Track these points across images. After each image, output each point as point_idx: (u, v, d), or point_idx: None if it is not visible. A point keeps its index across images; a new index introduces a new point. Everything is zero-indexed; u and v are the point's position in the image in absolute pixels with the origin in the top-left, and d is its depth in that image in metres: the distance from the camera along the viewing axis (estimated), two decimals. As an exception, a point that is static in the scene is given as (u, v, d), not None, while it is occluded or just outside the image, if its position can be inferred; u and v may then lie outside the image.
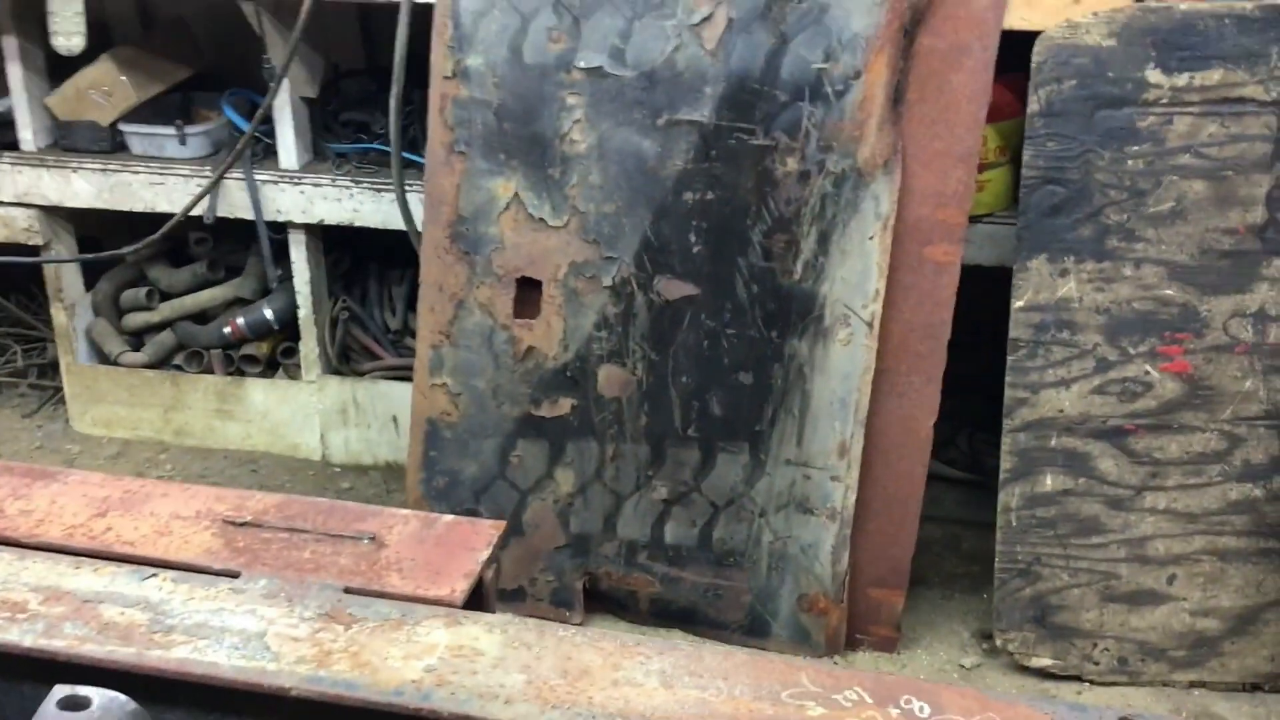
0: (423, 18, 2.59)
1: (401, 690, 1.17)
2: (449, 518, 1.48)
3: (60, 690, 0.83)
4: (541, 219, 2.54)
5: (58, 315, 3.31)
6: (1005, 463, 2.53)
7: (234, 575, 1.34)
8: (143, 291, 3.31)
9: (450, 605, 1.32)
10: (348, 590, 1.33)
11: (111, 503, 1.48)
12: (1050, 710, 1.17)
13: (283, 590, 1.31)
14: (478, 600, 1.40)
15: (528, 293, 2.59)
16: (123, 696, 0.85)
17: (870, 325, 2.47)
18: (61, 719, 0.80)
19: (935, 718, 1.15)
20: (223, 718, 1.24)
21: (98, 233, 3.43)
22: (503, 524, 1.48)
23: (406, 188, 2.83)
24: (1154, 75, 2.34)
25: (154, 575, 1.32)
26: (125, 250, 3.14)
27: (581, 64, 2.47)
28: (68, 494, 1.49)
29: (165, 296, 3.34)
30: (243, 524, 1.42)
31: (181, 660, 1.18)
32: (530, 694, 1.17)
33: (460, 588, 1.35)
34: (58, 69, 3.14)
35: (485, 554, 1.41)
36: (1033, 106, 2.38)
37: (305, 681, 1.17)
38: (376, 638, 1.24)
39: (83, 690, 0.83)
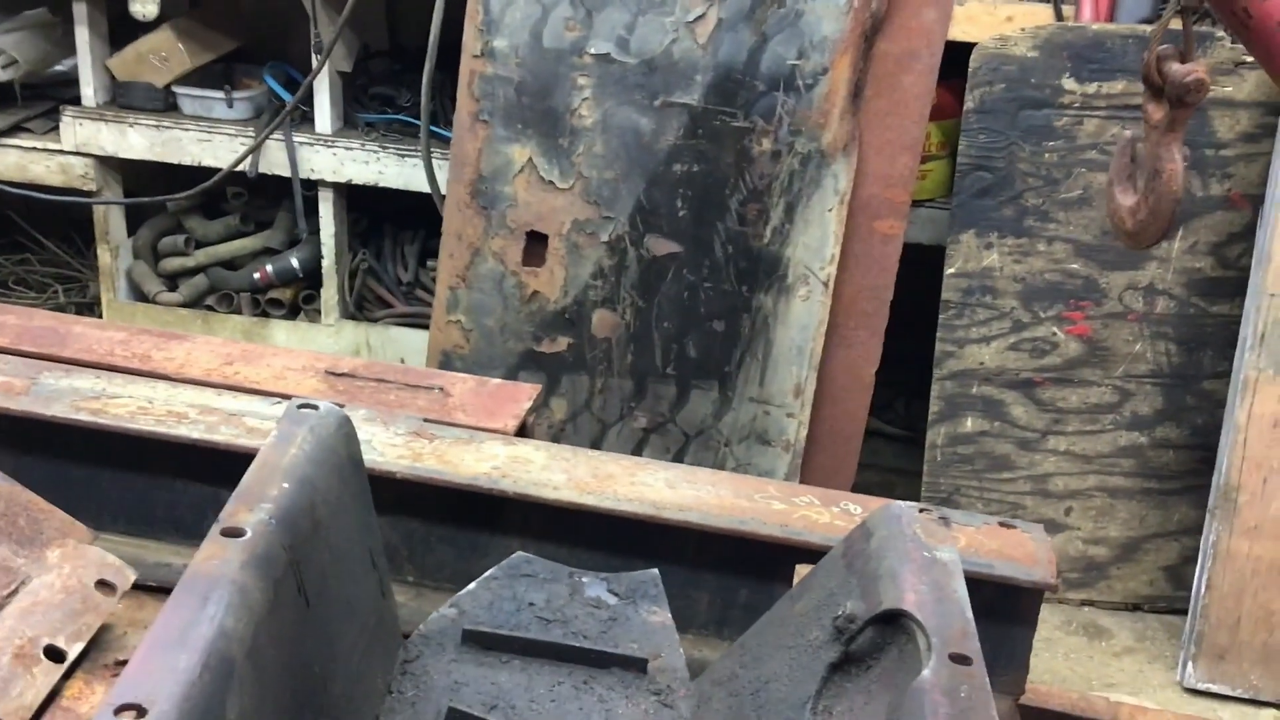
0: (450, 4, 3.02)
1: (477, 478, 1.59)
2: (497, 380, 1.91)
3: (296, 399, 1.24)
4: (551, 181, 2.97)
5: (103, 255, 3.69)
6: (933, 407, 3.00)
7: (340, 406, 1.75)
8: (180, 239, 3.70)
9: (505, 434, 1.75)
10: (426, 420, 1.75)
11: (235, 356, 1.89)
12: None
13: (379, 417, 1.73)
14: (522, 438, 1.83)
15: (535, 244, 3.02)
16: (339, 406, 1.27)
17: (826, 285, 2.92)
18: (302, 414, 1.22)
19: (861, 514, 1.60)
20: (335, 504, 1.66)
21: (141, 186, 3.81)
22: (539, 387, 1.91)
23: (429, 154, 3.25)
24: (1069, 83, 2.81)
25: (280, 402, 1.73)
26: (171, 197, 3.53)
27: (592, 50, 2.91)
28: (199, 349, 1.90)
29: (199, 245, 3.73)
30: (341, 374, 1.84)
31: (314, 451, 1.59)
32: (571, 486, 1.60)
33: (511, 424, 1.78)
34: (116, 35, 3.53)
35: (528, 405, 1.84)
36: (968, 105, 2.85)
37: (407, 469, 1.59)
38: (454, 448, 1.67)
39: (312, 399, 1.25)
